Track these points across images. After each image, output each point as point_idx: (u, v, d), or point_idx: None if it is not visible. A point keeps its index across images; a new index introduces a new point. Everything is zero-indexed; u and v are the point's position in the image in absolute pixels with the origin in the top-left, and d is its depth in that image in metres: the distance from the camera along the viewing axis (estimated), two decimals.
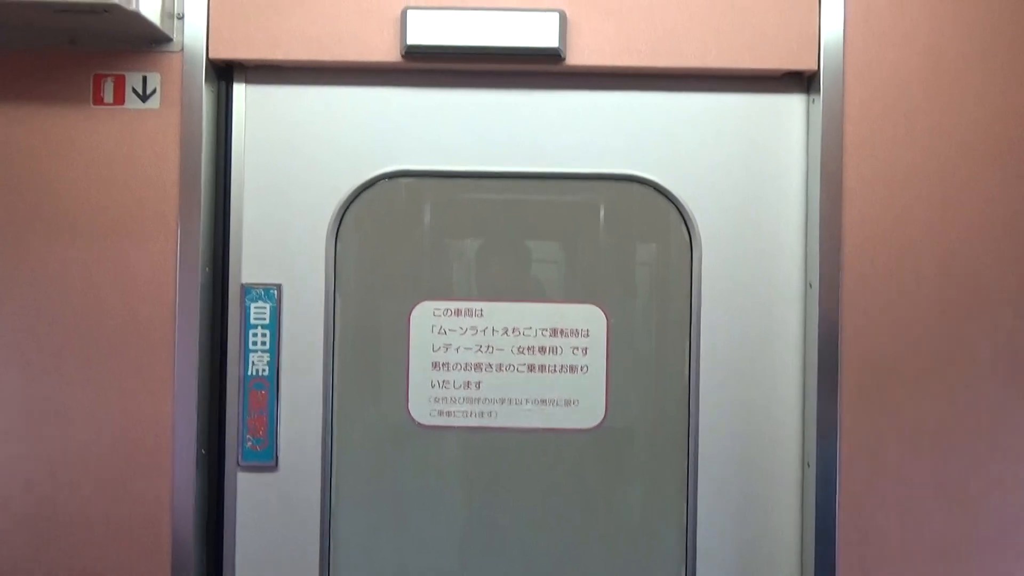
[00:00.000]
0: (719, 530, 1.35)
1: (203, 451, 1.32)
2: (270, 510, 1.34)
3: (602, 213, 1.39)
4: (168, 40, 1.29)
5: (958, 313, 1.31)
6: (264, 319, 1.34)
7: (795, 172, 1.35)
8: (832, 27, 1.29)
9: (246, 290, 1.34)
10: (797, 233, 1.36)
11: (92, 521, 1.30)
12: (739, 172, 1.35)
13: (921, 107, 1.31)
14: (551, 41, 1.27)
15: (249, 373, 1.34)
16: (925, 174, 1.31)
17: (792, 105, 1.36)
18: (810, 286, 1.33)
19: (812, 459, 1.31)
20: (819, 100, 1.30)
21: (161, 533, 1.30)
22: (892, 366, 1.31)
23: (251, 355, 1.34)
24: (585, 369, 1.36)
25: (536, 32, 1.27)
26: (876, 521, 1.30)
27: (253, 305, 1.34)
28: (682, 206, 1.35)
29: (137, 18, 1.18)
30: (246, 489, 1.34)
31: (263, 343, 1.34)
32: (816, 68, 1.30)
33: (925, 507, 1.31)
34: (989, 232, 1.31)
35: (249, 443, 1.34)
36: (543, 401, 1.36)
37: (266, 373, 1.34)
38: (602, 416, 1.36)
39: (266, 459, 1.34)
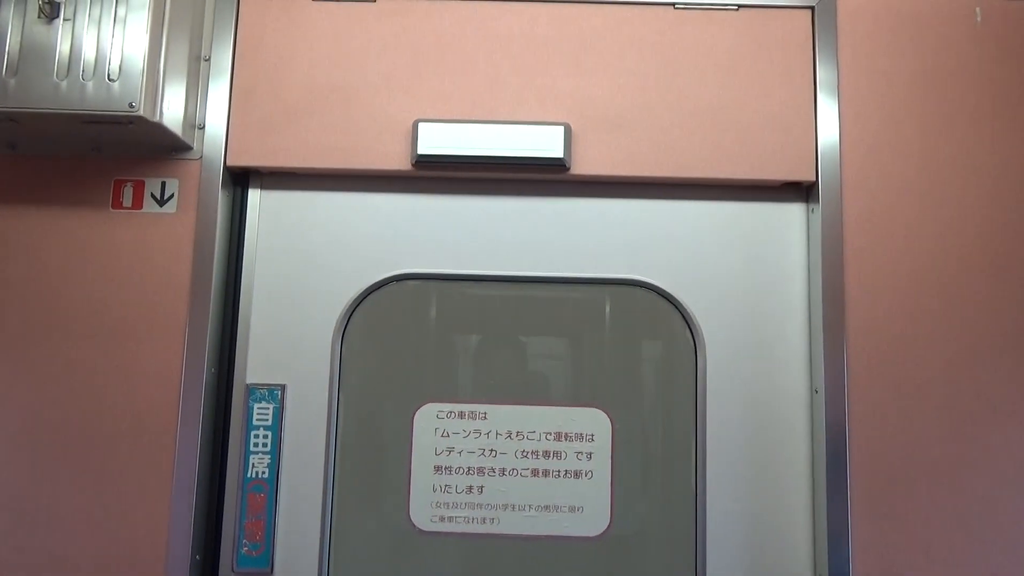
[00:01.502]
0: None
1: (198, 557, 1.29)
2: None
3: (606, 317, 1.40)
4: (188, 148, 1.34)
5: (966, 421, 1.30)
6: (267, 420, 1.33)
7: (797, 278, 1.37)
8: (828, 139, 1.34)
9: (250, 390, 1.34)
10: (801, 338, 1.36)
11: None
12: (741, 277, 1.37)
13: (920, 217, 1.34)
14: (557, 152, 1.32)
15: (249, 475, 1.32)
16: (927, 283, 1.32)
17: (792, 214, 1.39)
18: (816, 392, 1.32)
19: (824, 571, 1.27)
20: (818, 209, 1.34)
21: None
22: (902, 473, 1.29)
23: (251, 457, 1.32)
24: (590, 474, 1.34)
25: (542, 143, 1.32)
26: None
27: (256, 406, 1.33)
28: (685, 310, 1.36)
29: (160, 128, 1.24)
30: None
31: (264, 444, 1.33)
32: (814, 179, 1.34)
33: None
34: (990, 341, 1.31)
35: (245, 548, 1.31)
36: (547, 507, 1.33)
37: (266, 475, 1.32)
38: (607, 523, 1.33)
39: (262, 565, 1.30)
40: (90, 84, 1.16)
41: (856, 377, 1.31)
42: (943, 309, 1.32)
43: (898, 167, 1.36)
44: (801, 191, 1.40)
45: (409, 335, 1.38)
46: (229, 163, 1.34)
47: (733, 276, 1.37)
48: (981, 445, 1.29)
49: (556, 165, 1.33)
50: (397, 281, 1.38)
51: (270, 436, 1.33)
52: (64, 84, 1.16)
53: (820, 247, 1.33)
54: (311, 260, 1.37)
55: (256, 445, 1.33)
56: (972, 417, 1.30)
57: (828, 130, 1.35)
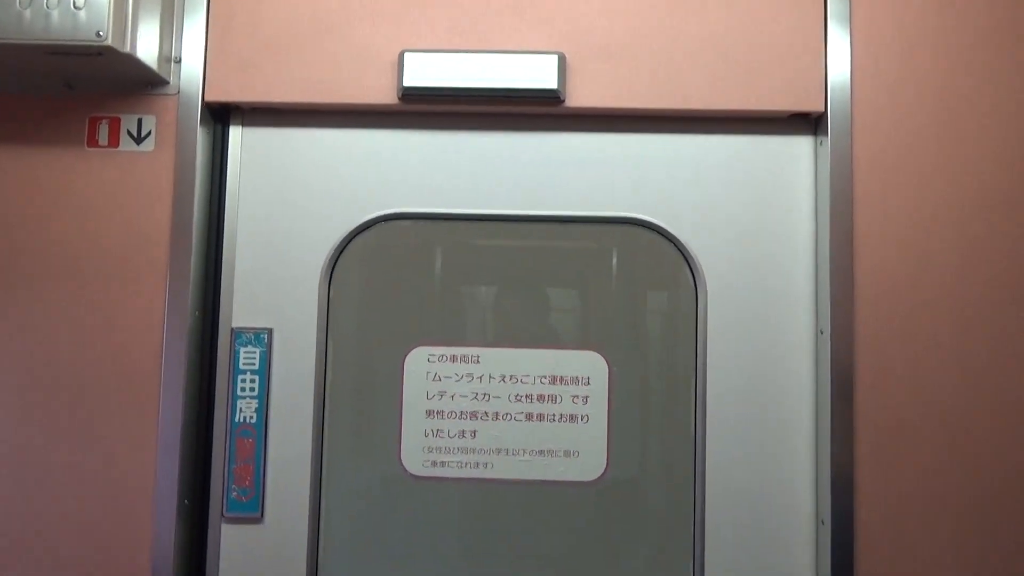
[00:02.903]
0: None
1: (186, 501, 1.27)
2: (255, 564, 1.28)
3: (604, 257, 1.35)
4: (164, 83, 1.28)
5: (975, 365, 1.25)
6: (254, 364, 1.30)
7: (804, 216, 1.31)
8: (839, 68, 1.26)
9: (236, 334, 1.30)
10: (807, 278, 1.30)
11: (69, 570, 1.25)
12: (746, 215, 1.31)
13: (936, 152, 1.27)
14: (550, 83, 1.25)
15: (236, 420, 1.29)
16: (941, 224, 1.26)
17: (799, 148, 1.33)
18: (821, 333, 1.27)
19: (827, 516, 1.24)
20: (827, 142, 1.27)
21: None
22: (909, 416, 1.24)
23: (239, 401, 1.29)
24: (586, 419, 1.30)
25: (535, 74, 1.25)
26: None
27: (243, 350, 1.30)
28: (686, 250, 1.31)
29: (132, 61, 1.18)
30: (230, 541, 1.29)
31: (251, 389, 1.29)
32: (823, 109, 1.27)
33: (945, 568, 1.22)
34: (1008, 285, 1.25)
35: (234, 493, 1.29)
36: (541, 452, 1.30)
37: (254, 420, 1.29)
38: (603, 468, 1.30)
39: (252, 510, 1.28)
40: (55, 12, 1.10)
41: (863, 318, 1.25)
42: (956, 249, 1.26)
43: (913, 99, 1.28)
44: (809, 123, 1.33)
45: (398, 277, 1.34)
46: (207, 98, 1.28)
47: (737, 214, 1.31)
48: (990, 390, 1.24)
49: (550, 97, 1.26)
50: (385, 221, 1.33)
51: (257, 380, 1.30)
52: (28, 13, 1.10)
53: (828, 183, 1.26)
54: (296, 200, 1.32)
55: (243, 390, 1.30)
56: (982, 361, 1.25)
57: (839, 59, 1.28)
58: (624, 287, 1.35)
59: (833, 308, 1.25)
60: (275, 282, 1.31)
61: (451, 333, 1.33)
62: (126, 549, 1.25)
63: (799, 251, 1.31)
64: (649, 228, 1.32)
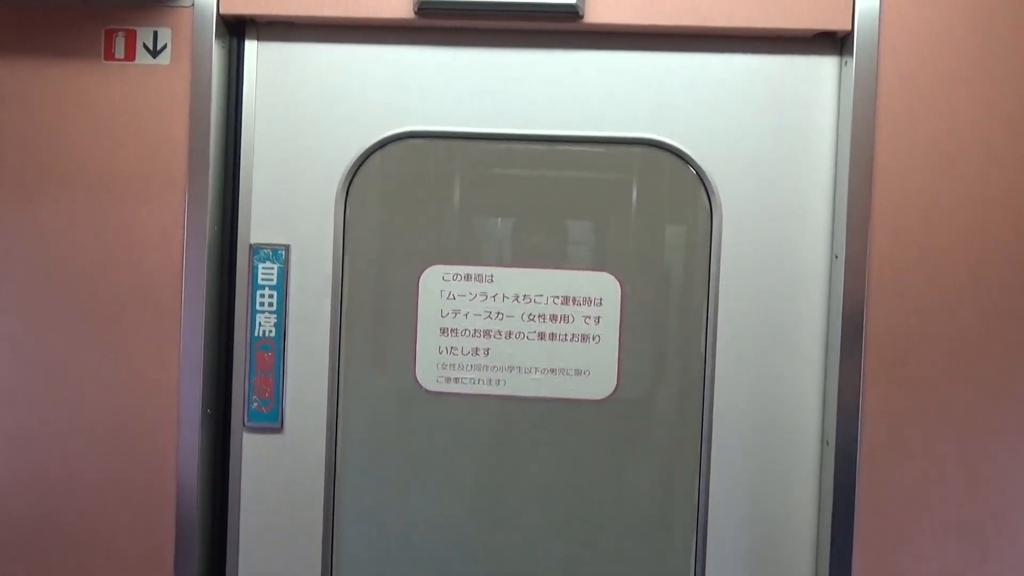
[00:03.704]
0: (732, 508, 1.31)
1: (208, 411, 1.31)
2: (275, 471, 1.33)
3: (619, 179, 1.34)
4: None
5: (991, 294, 1.24)
6: (272, 280, 1.32)
7: (825, 139, 1.29)
8: None
9: (254, 250, 1.32)
10: (824, 203, 1.30)
11: (96, 478, 1.31)
12: (765, 137, 1.29)
13: (964, 76, 1.23)
14: None
15: (256, 334, 1.32)
16: (966, 149, 1.24)
17: (823, 68, 1.30)
18: (836, 257, 1.27)
19: (831, 438, 1.26)
20: (852, 63, 1.24)
21: (166, 492, 1.30)
22: (920, 343, 1.25)
23: (258, 316, 1.32)
24: (597, 339, 1.32)
25: None
26: (896, 502, 1.25)
27: (261, 266, 1.32)
28: (703, 172, 1.30)
29: None
30: (252, 450, 1.33)
31: (270, 304, 1.32)
32: (850, 28, 1.24)
33: (948, 487, 1.25)
34: None
35: (255, 404, 1.33)
36: (553, 370, 1.33)
37: (273, 334, 1.32)
38: (613, 387, 1.32)
39: (272, 420, 1.33)
40: None
41: (879, 244, 1.25)
42: (980, 180, 1.24)
43: (944, 20, 1.24)
44: (835, 43, 1.29)
45: (414, 196, 1.34)
46: (222, 11, 1.27)
47: (756, 136, 1.30)
48: (1004, 316, 1.24)
49: (568, 12, 1.24)
50: (400, 140, 1.32)
51: (275, 296, 1.32)
52: None
53: (851, 105, 1.24)
54: (312, 117, 1.32)
55: (262, 304, 1.32)
56: (998, 287, 1.24)
57: None
58: (639, 209, 1.34)
59: (849, 233, 1.24)
60: (292, 199, 1.32)
61: (466, 252, 1.34)
62: (153, 456, 1.30)
63: (818, 175, 1.29)
64: (666, 149, 1.31)
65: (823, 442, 1.29)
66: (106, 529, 1.31)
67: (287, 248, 1.32)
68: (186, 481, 1.30)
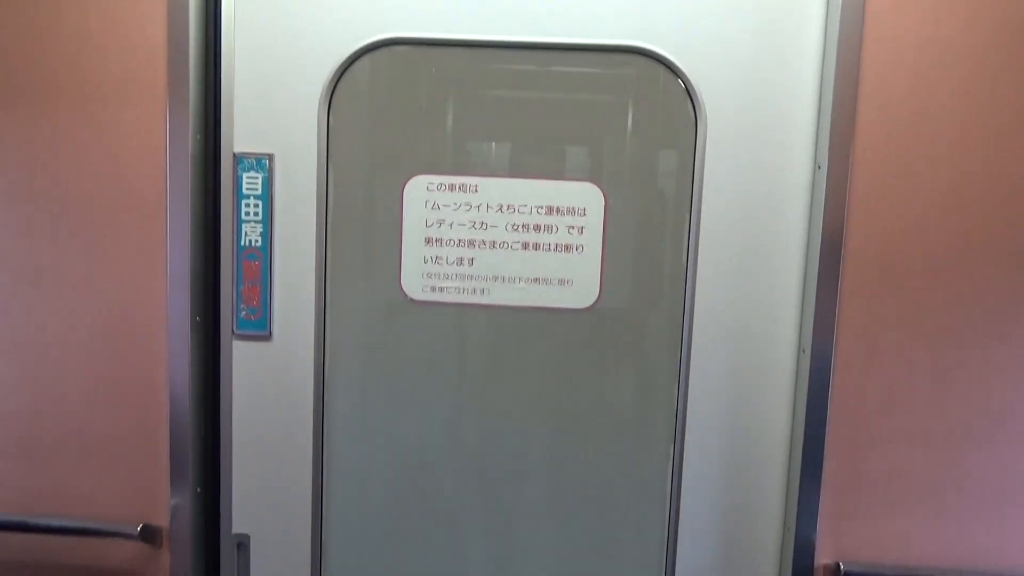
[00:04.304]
0: (709, 413, 1.35)
1: (198, 319, 1.33)
2: (265, 378, 1.36)
3: (605, 88, 1.33)
4: None
5: (972, 207, 1.25)
6: (256, 190, 1.32)
7: (811, 48, 1.27)
8: None
9: (238, 159, 1.32)
10: (809, 113, 1.29)
11: (89, 384, 1.34)
12: (750, 44, 1.28)
13: None
14: None
15: (242, 244, 1.33)
16: (954, 55, 1.22)
17: None
18: (819, 168, 1.27)
19: (808, 345, 1.29)
20: None
21: (158, 398, 1.33)
22: (898, 255, 1.27)
23: (244, 225, 1.33)
24: (580, 249, 1.33)
25: None
26: (868, 407, 1.29)
27: (245, 175, 1.32)
28: (688, 81, 1.29)
29: None
30: (241, 358, 1.36)
31: (255, 214, 1.33)
32: None
33: (920, 395, 1.29)
34: (1017, 126, 1.23)
35: (243, 312, 1.35)
36: (536, 280, 1.34)
37: (259, 244, 1.33)
38: (596, 297, 1.34)
39: (260, 328, 1.35)
40: None
41: (862, 155, 1.25)
42: (970, 87, 1.23)
43: None
44: None
45: (397, 105, 1.33)
46: None
47: (742, 45, 1.28)
48: (983, 230, 1.25)
49: None
50: (384, 46, 1.30)
51: (261, 205, 1.33)
52: None
53: (839, 15, 1.22)
54: (294, 21, 1.30)
55: (248, 214, 1.33)
56: (979, 200, 1.25)
57: None
58: (624, 119, 1.34)
59: (832, 143, 1.24)
60: (275, 107, 1.31)
61: (450, 162, 1.34)
62: (144, 362, 1.33)
63: (804, 84, 1.28)
64: (651, 58, 1.29)
65: (799, 350, 1.32)
66: (101, 434, 1.35)
67: (271, 157, 1.32)
68: (177, 387, 1.33)
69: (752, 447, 1.35)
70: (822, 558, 1.32)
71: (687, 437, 1.35)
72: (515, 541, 1.42)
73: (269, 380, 1.37)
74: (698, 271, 1.32)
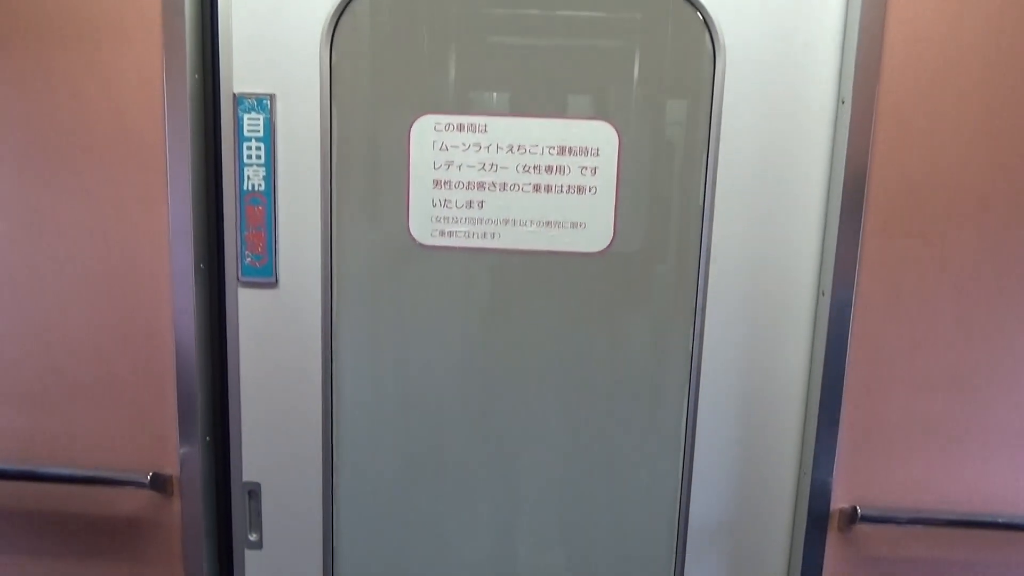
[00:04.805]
0: (725, 358, 1.32)
1: (202, 266, 1.30)
2: (272, 326, 1.34)
3: (619, 23, 1.27)
4: None
5: (999, 146, 1.20)
6: (258, 131, 1.28)
7: None
8: None
9: (238, 100, 1.27)
10: (833, 45, 1.23)
11: (94, 332, 1.31)
12: None
13: None
14: None
15: (245, 188, 1.29)
16: None
17: None
18: (842, 103, 1.22)
19: (828, 287, 1.25)
20: None
21: (164, 347, 1.31)
22: (922, 194, 1.22)
23: (246, 169, 1.29)
24: (594, 190, 1.29)
25: None
26: (888, 350, 1.26)
27: (246, 116, 1.27)
28: (705, 11, 1.23)
29: None
30: (247, 305, 1.33)
31: (258, 157, 1.28)
32: None
33: (942, 338, 1.26)
34: None
35: (248, 259, 1.32)
36: (548, 223, 1.30)
37: (262, 188, 1.29)
38: (609, 240, 1.31)
39: (266, 275, 1.32)
40: None
41: (888, 89, 1.20)
42: (995, 22, 1.17)
43: None
44: None
45: (402, 42, 1.28)
46: None
47: None
48: (1010, 170, 1.21)
49: None
50: None
51: (263, 148, 1.28)
52: None
53: None
54: None
55: (250, 157, 1.29)
56: (1008, 140, 1.20)
57: None
58: (639, 55, 1.28)
59: (857, 76, 1.19)
60: (275, 45, 1.26)
61: (458, 101, 1.29)
62: (149, 310, 1.31)
63: (828, 15, 1.22)
64: None
65: (819, 292, 1.28)
66: (108, 383, 1.33)
67: (272, 97, 1.27)
68: (183, 336, 1.31)
69: (769, 392, 1.33)
70: (839, 502, 1.31)
71: (702, 382, 1.33)
72: (526, 487, 1.41)
73: (276, 327, 1.34)
74: (715, 212, 1.28)
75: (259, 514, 1.41)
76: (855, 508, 1.28)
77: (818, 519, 1.31)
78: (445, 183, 1.30)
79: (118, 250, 1.28)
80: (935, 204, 1.23)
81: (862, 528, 1.31)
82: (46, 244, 1.29)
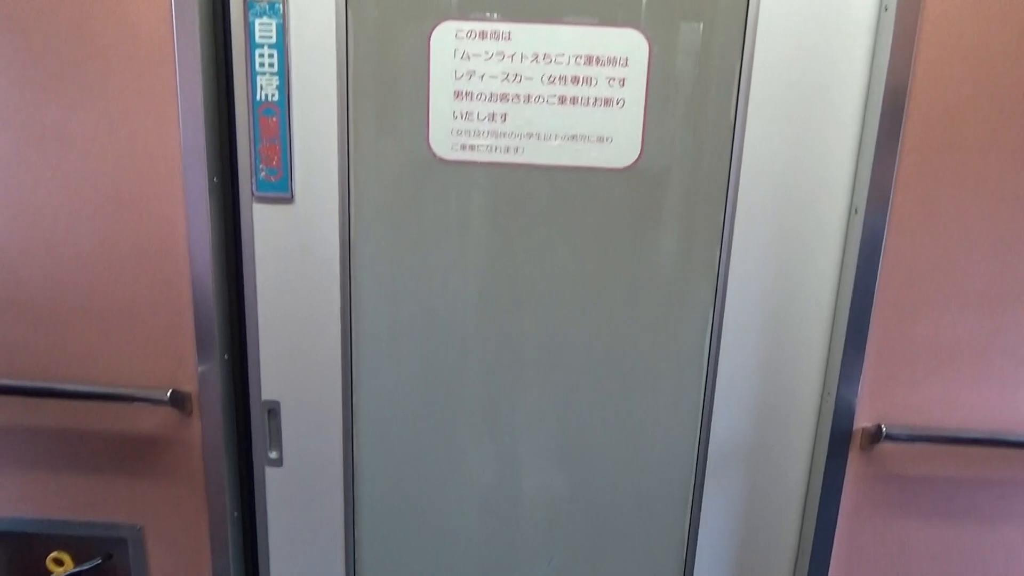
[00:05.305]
0: (753, 275, 1.29)
1: (215, 179, 1.26)
2: (288, 242, 1.31)
3: None
4: None
5: None
6: (271, 38, 1.22)
7: None
8: None
9: (249, 3, 1.21)
10: None
11: (107, 247, 1.28)
12: None
13: None
14: None
15: (258, 98, 1.24)
16: None
17: None
18: (885, 9, 1.16)
19: (862, 204, 1.22)
20: None
21: (180, 264, 1.28)
22: (966, 109, 1.17)
23: (259, 78, 1.23)
24: (621, 103, 1.24)
25: None
26: (920, 270, 1.24)
27: (258, 21, 1.21)
28: None
29: None
30: (263, 221, 1.30)
31: (271, 65, 1.23)
32: None
33: (976, 258, 1.23)
34: None
35: (263, 173, 1.27)
36: (573, 137, 1.26)
37: (276, 98, 1.24)
38: (637, 155, 1.26)
39: (282, 190, 1.28)
40: None
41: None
42: None
43: None
44: None
45: None
46: None
47: None
48: None
49: None
50: None
51: (276, 55, 1.22)
52: None
53: None
54: None
55: (262, 65, 1.23)
56: None
57: None
58: None
59: None
60: None
61: (481, 7, 1.22)
62: (162, 225, 1.27)
63: None
64: None
65: (852, 210, 1.25)
66: (123, 301, 1.31)
67: (284, 0, 1.20)
68: (199, 252, 1.28)
69: (796, 310, 1.31)
70: (862, 421, 1.30)
71: (728, 301, 1.31)
72: (547, 405, 1.40)
73: (293, 244, 1.31)
74: (747, 126, 1.23)
75: (279, 432, 1.41)
76: (879, 426, 1.27)
77: (841, 437, 1.31)
78: (467, 94, 1.25)
79: (129, 163, 1.24)
80: (977, 122, 1.18)
81: (885, 447, 1.31)
82: (53, 159, 1.24)
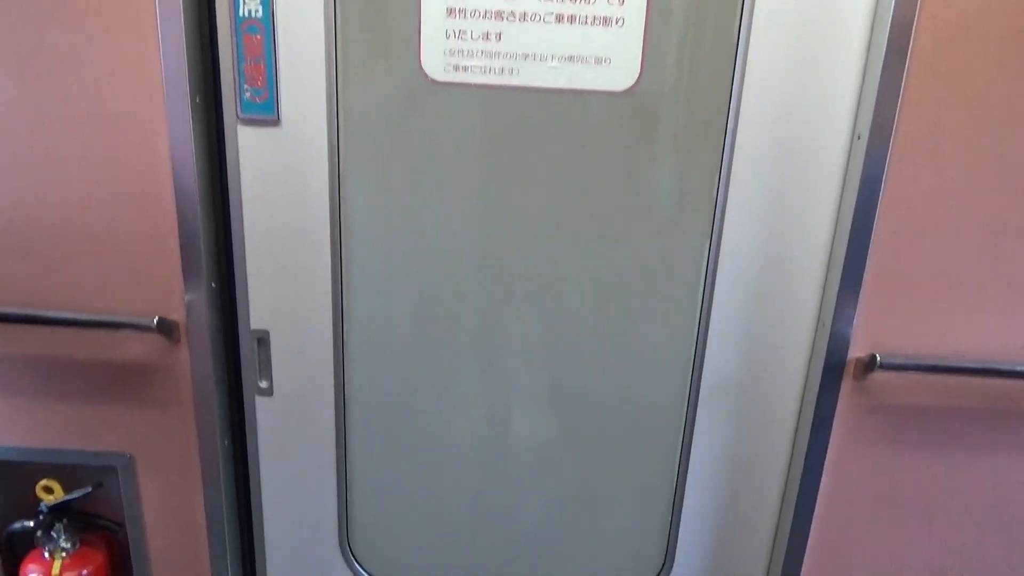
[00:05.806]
0: (751, 202, 1.27)
1: (198, 100, 1.21)
2: (275, 167, 1.27)
3: None
4: None
5: None
6: None
7: None
8: None
9: None
10: None
11: (87, 175, 1.24)
12: None
13: None
14: None
15: (240, 14, 1.18)
16: None
17: None
18: None
19: (865, 130, 1.19)
20: None
21: (163, 189, 1.25)
22: (973, 34, 1.14)
23: None
24: (620, 22, 1.19)
25: None
26: (921, 199, 1.22)
27: None
28: None
29: None
30: (248, 144, 1.26)
31: None
32: None
33: (979, 187, 1.21)
34: None
35: (247, 94, 1.23)
36: (571, 58, 1.21)
37: (260, 15, 1.19)
38: (636, 77, 1.22)
39: (268, 112, 1.23)
40: None
41: None
42: None
43: None
44: None
45: None
46: None
47: None
48: None
49: None
50: None
51: None
52: None
53: None
54: None
55: None
56: None
57: None
58: None
59: None
60: None
61: None
62: (144, 147, 1.23)
63: None
64: None
65: (855, 136, 1.22)
66: (106, 228, 1.27)
67: None
68: (183, 176, 1.24)
69: (794, 239, 1.29)
70: (856, 350, 1.30)
71: (725, 230, 1.29)
72: (540, 333, 1.39)
73: (280, 169, 1.27)
74: (750, 47, 1.19)
75: (268, 361, 1.39)
76: (874, 356, 1.27)
77: (835, 367, 1.30)
78: (460, 12, 1.19)
79: (107, 83, 1.19)
80: (985, 47, 1.15)
81: (878, 377, 1.31)
82: (30, 79, 1.19)
